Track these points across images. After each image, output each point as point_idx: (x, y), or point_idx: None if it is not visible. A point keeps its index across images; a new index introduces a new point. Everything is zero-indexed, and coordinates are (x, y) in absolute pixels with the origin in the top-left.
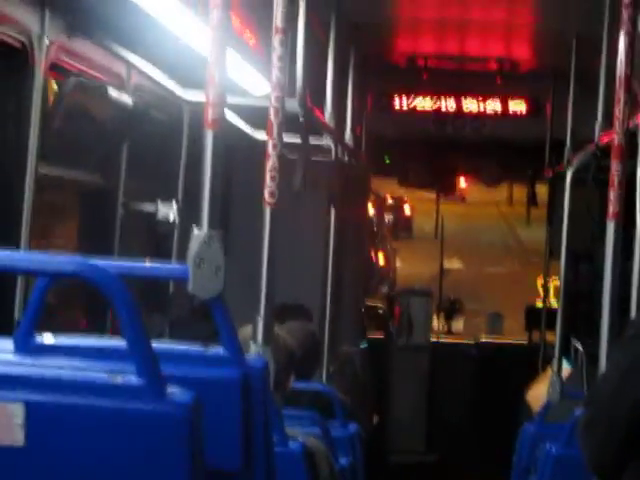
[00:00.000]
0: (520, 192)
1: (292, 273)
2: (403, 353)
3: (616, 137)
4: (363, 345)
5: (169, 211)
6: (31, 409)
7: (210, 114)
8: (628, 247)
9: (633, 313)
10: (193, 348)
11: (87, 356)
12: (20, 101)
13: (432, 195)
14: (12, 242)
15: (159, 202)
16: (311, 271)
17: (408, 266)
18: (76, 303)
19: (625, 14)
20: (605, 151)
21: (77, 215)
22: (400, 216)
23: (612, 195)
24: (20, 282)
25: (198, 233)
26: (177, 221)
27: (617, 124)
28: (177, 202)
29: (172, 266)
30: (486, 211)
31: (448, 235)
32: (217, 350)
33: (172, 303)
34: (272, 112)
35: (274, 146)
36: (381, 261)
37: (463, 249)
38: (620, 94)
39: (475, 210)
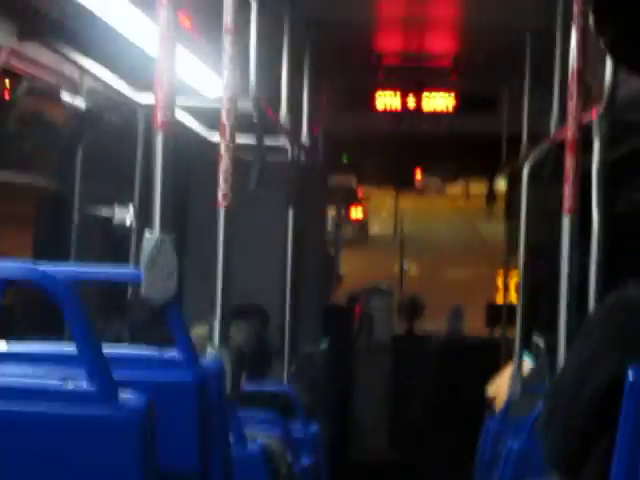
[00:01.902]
0: (477, 187)
1: (251, 273)
2: (364, 352)
3: (570, 132)
4: (324, 345)
5: (125, 215)
6: None
7: (160, 115)
8: (585, 241)
9: (591, 307)
10: (148, 352)
11: (40, 363)
12: None
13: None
14: None
15: (115, 206)
16: (270, 271)
17: (363, 267)
18: (35, 309)
19: (576, 8)
20: (561, 146)
21: (32, 220)
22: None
23: (567, 190)
24: None
25: (150, 237)
26: (134, 225)
27: (570, 119)
28: (134, 206)
29: (124, 270)
30: (443, 206)
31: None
32: (172, 354)
33: (130, 307)
34: (224, 113)
35: (227, 147)
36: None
37: (422, 248)
38: (573, 88)
39: (432, 205)
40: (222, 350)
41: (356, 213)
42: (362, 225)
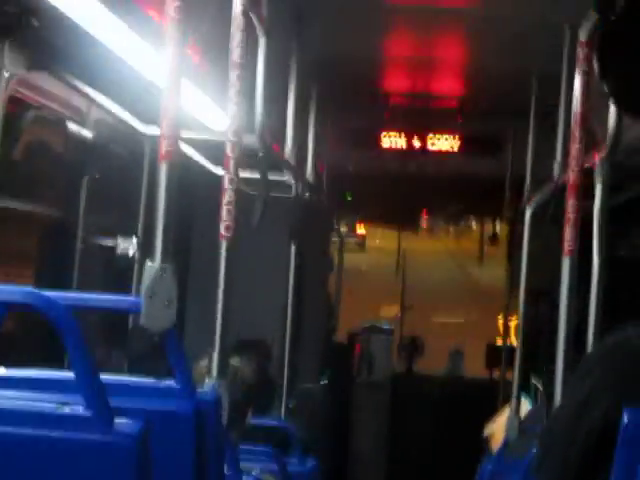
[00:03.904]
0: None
1: (252, 307)
2: (363, 390)
3: (572, 175)
4: (323, 381)
5: (129, 245)
6: None
7: (164, 146)
8: (586, 285)
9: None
10: (146, 381)
11: (38, 388)
12: None
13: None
14: None
15: (119, 237)
16: (271, 306)
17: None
18: (34, 335)
19: (581, 53)
20: (564, 189)
21: (35, 249)
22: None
23: (568, 233)
24: None
25: (151, 265)
26: (137, 256)
27: (573, 162)
28: (137, 237)
29: (124, 298)
30: (443, 246)
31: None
32: (170, 383)
33: (130, 338)
34: (229, 147)
35: (230, 180)
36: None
37: (423, 287)
38: (576, 132)
39: (432, 245)
40: (221, 382)
41: (360, 229)
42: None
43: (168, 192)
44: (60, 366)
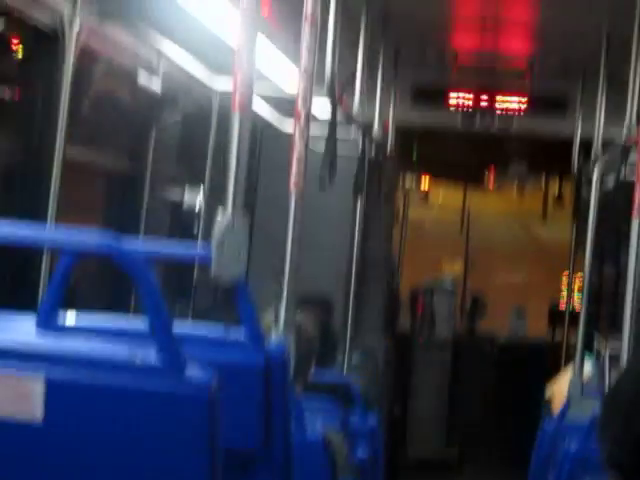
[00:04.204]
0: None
1: (316, 264)
2: (425, 348)
3: None
4: (386, 338)
5: (195, 198)
6: (50, 385)
7: (238, 98)
8: None
9: None
10: (215, 332)
11: (109, 335)
12: (50, 85)
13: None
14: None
15: (186, 188)
16: (335, 262)
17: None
18: (101, 283)
19: None
20: (633, 150)
21: (103, 200)
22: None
23: (637, 192)
24: (45, 260)
25: (222, 217)
26: (203, 208)
27: None
28: (204, 189)
29: (195, 249)
30: (508, 205)
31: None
32: (238, 335)
33: (196, 291)
34: (300, 101)
35: (301, 135)
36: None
37: (486, 246)
38: None
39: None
40: (288, 335)
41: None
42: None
43: (240, 145)
44: (126, 311)
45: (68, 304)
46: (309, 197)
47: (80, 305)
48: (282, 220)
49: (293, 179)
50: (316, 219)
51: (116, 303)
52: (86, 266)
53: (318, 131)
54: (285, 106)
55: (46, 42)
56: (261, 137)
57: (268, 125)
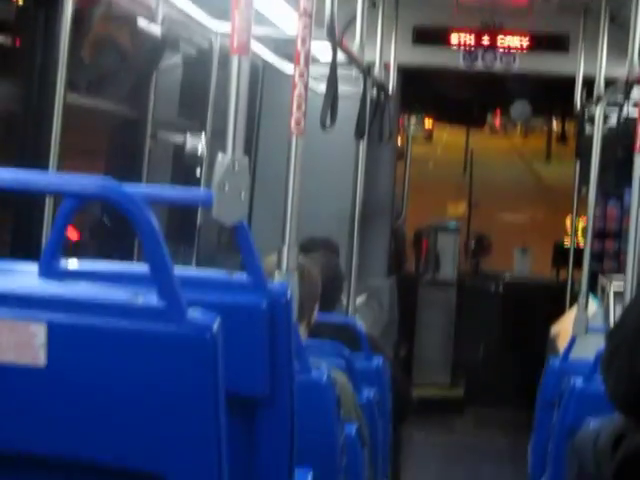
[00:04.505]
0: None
1: (320, 206)
2: (429, 288)
3: None
4: (390, 277)
5: (197, 143)
6: (53, 329)
7: (236, 40)
8: None
9: None
10: (217, 275)
11: (111, 280)
12: (48, 30)
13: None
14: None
15: (188, 133)
16: (339, 204)
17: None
18: (103, 229)
19: None
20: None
21: (105, 145)
22: None
23: (639, 129)
24: (48, 206)
25: (223, 158)
26: (205, 153)
27: None
28: (206, 134)
29: (196, 191)
30: (510, 145)
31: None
32: (241, 277)
33: (200, 235)
34: (299, 40)
35: (301, 74)
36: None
37: (490, 186)
38: None
39: (499, 144)
40: (291, 276)
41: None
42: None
43: (239, 87)
44: (129, 258)
45: (73, 253)
46: (311, 138)
47: (84, 256)
48: (285, 162)
49: (294, 120)
50: (318, 160)
51: (121, 253)
52: (91, 218)
53: (320, 72)
54: (287, 49)
55: None
56: (263, 79)
57: (270, 67)
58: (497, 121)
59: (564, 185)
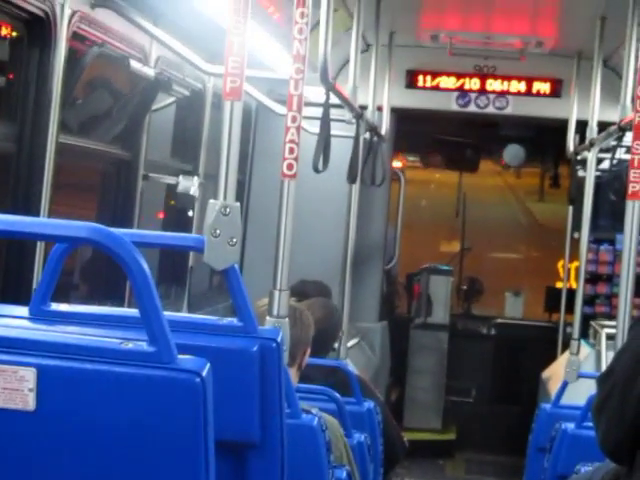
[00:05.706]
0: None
1: (311, 248)
2: (421, 332)
3: (637, 117)
4: (382, 321)
5: (190, 184)
6: (42, 374)
7: (228, 85)
8: None
9: None
10: (208, 319)
11: (101, 325)
12: (42, 70)
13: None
14: (33, 211)
15: (180, 175)
16: (330, 247)
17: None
18: (94, 275)
19: None
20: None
21: (98, 185)
22: None
23: (632, 175)
24: (39, 251)
25: (215, 203)
26: (198, 195)
27: (638, 104)
28: (198, 176)
29: (187, 236)
30: (500, 189)
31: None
32: (232, 321)
33: (191, 276)
34: (292, 84)
35: (293, 119)
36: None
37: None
38: None
39: (490, 187)
40: (282, 321)
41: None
42: None
43: (232, 130)
44: (120, 304)
45: (64, 297)
46: (303, 179)
47: (76, 298)
48: (277, 204)
49: (285, 165)
50: (310, 202)
51: (112, 296)
52: (82, 260)
53: (313, 112)
54: (280, 89)
55: (37, 27)
56: (256, 119)
57: (263, 107)
58: (489, 166)
59: (557, 225)
